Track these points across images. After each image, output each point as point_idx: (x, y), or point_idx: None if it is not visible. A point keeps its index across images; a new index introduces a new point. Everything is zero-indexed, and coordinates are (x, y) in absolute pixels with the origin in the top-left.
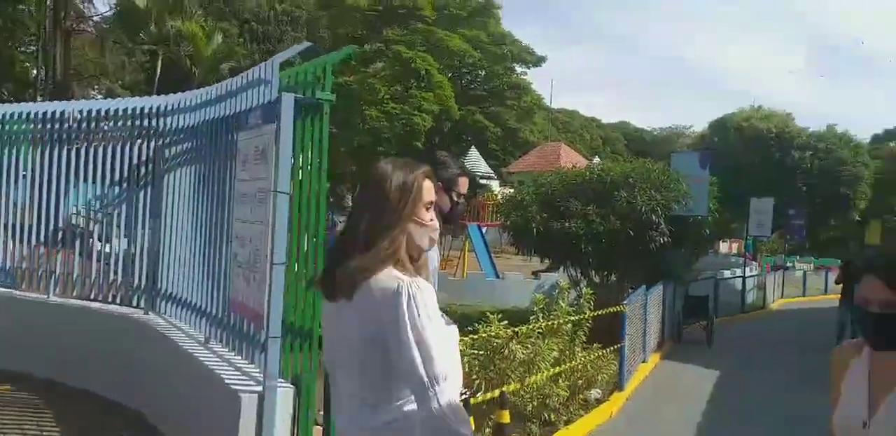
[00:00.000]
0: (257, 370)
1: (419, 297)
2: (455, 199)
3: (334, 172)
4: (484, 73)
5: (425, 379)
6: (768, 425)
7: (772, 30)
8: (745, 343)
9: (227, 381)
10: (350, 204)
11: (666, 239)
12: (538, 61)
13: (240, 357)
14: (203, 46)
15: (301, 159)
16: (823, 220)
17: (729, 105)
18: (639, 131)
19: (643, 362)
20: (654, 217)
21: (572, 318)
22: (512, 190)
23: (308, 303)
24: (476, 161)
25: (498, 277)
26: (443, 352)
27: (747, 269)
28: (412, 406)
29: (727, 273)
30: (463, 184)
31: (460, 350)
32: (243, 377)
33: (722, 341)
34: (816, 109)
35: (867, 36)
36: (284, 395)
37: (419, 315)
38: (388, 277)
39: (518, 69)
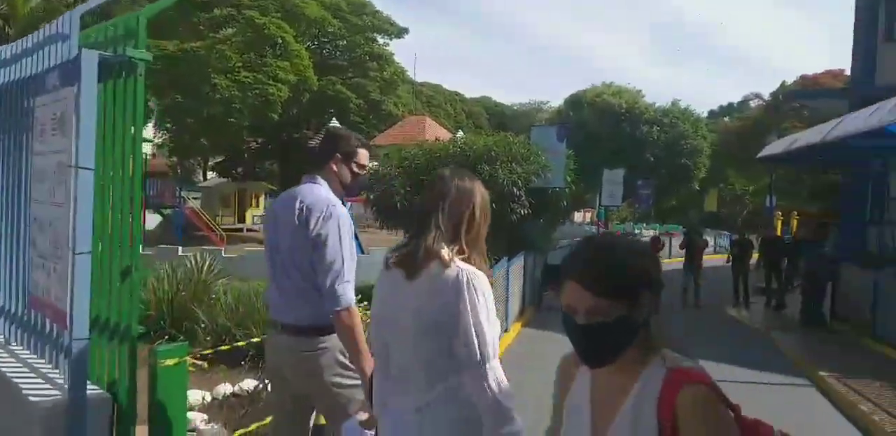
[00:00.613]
0: (62, 377)
1: (476, 283)
2: (356, 170)
3: (183, 145)
4: (344, 42)
5: (478, 358)
6: None
7: (622, 10)
8: None
9: (25, 390)
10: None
11: (526, 211)
12: (400, 33)
13: (44, 361)
14: (20, 4)
15: (112, 128)
16: (668, 189)
17: (583, 82)
18: (500, 106)
19: (505, 331)
20: (515, 190)
21: None
22: (376, 163)
23: (124, 296)
24: None
25: (362, 252)
26: (493, 334)
27: None
28: (458, 381)
29: None
30: (363, 156)
31: None
32: (46, 385)
33: None
34: (662, 85)
35: (695, 16)
36: (96, 404)
37: (477, 299)
38: (453, 261)
39: (380, 40)
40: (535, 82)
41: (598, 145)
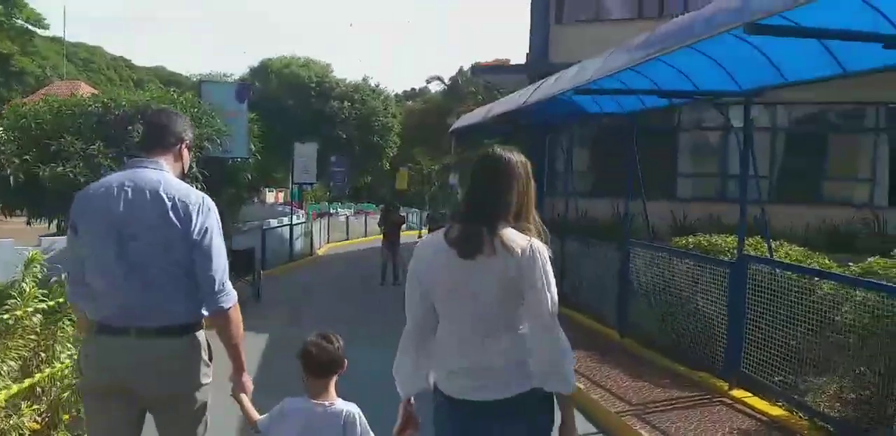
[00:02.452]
0: None
1: (542, 252)
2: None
3: None
4: None
5: (552, 310)
6: None
7: None
8: (295, 294)
9: None
10: None
11: (201, 185)
12: None
13: None
14: None
15: None
16: (361, 167)
17: (267, 54)
18: (176, 76)
19: None
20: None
21: (43, 306)
22: None
23: None
24: None
25: None
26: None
27: (294, 217)
28: (526, 331)
29: (274, 222)
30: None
31: None
32: None
33: (272, 294)
34: (350, 65)
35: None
36: None
37: (546, 264)
38: (519, 236)
39: None
40: (215, 52)
41: (288, 119)
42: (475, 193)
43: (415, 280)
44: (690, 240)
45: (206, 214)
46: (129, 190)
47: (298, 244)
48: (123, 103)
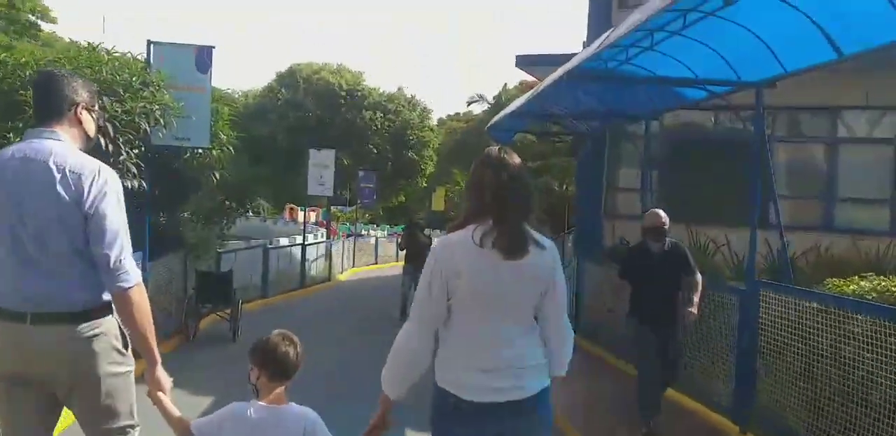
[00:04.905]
0: None
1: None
2: (97, 120)
3: None
4: None
5: (564, 309)
6: None
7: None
8: (288, 331)
9: None
10: None
11: (140, 183)
12: None
13: None
14: None
15: None
16: (394, 184)
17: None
18: None
19: None
20: (105, 143)
21: None
22: None
23: None
24: None
25: None
26: None
27: (311, 235)
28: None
29: (284, 241)
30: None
31: None
32: None
33: (258, 330)
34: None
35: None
36: None
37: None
38: (538, 234)
39: None
40: (241, 63)
41: (315, 128)
42: (501, 193)
43: (439, 280)
44: (863, 284)
45: (102, 186)
46: (19, 162)
47: (315, 268)
48: (25, 61)
